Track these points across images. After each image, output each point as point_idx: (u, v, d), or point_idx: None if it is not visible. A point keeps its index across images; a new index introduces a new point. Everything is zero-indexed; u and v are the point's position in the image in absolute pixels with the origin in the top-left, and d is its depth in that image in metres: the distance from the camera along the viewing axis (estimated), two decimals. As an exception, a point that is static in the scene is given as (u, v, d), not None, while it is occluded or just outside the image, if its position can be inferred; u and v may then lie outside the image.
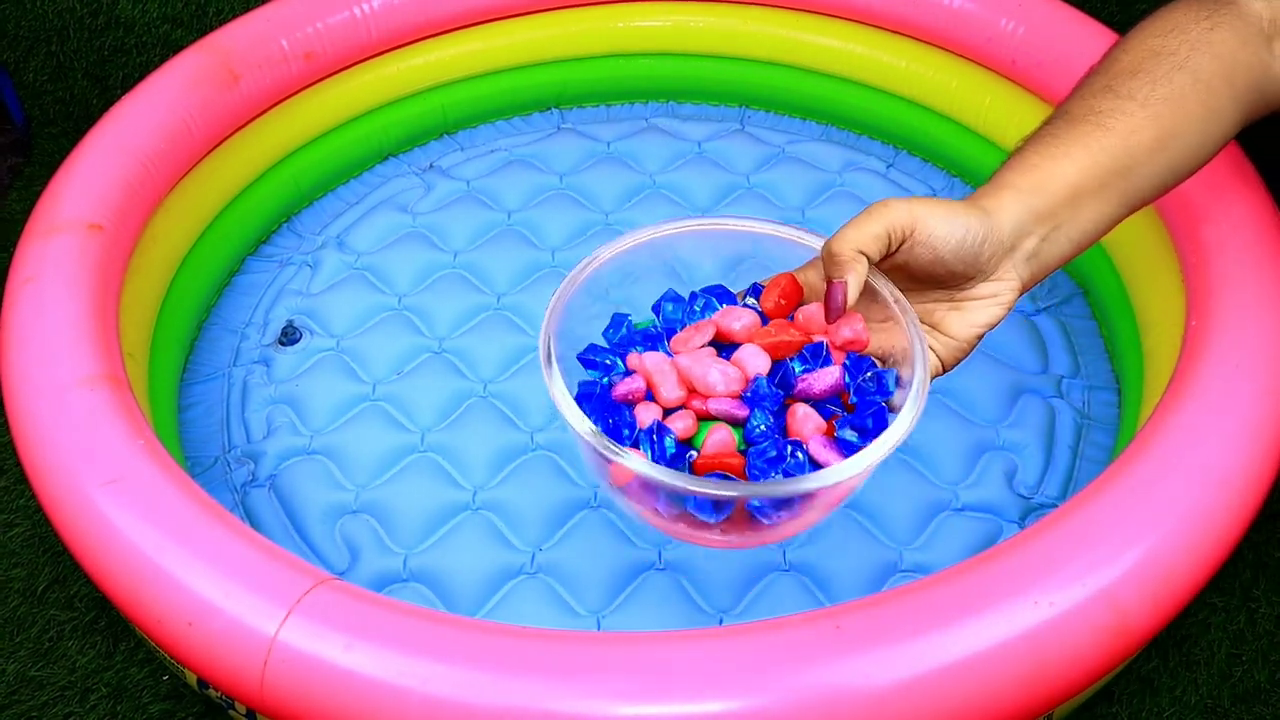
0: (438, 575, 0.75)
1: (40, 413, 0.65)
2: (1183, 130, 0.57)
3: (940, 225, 0.51)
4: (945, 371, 0.55)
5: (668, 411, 0.51)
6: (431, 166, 1.06)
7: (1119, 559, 0.55)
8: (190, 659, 0.57)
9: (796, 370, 0.51)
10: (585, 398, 0.52)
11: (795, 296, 0.53)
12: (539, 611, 0.72)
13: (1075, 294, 0.92)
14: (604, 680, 0.52)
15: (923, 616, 0.54)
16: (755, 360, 0.50)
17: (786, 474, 0.48)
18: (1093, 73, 0.60)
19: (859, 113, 1.06)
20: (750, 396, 0.50)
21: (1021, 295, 0.55)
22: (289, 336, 0.90)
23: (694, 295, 0.54)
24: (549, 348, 0.52)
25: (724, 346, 0.52)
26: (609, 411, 0.51)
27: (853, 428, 0.50)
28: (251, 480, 0.81)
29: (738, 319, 0.52)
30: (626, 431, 0.50)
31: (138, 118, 0.84)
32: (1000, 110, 0.96)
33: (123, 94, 0.87)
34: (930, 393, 0.84)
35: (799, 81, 1.07)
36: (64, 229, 0.75)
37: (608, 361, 0.53)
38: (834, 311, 0.51)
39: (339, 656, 0.54)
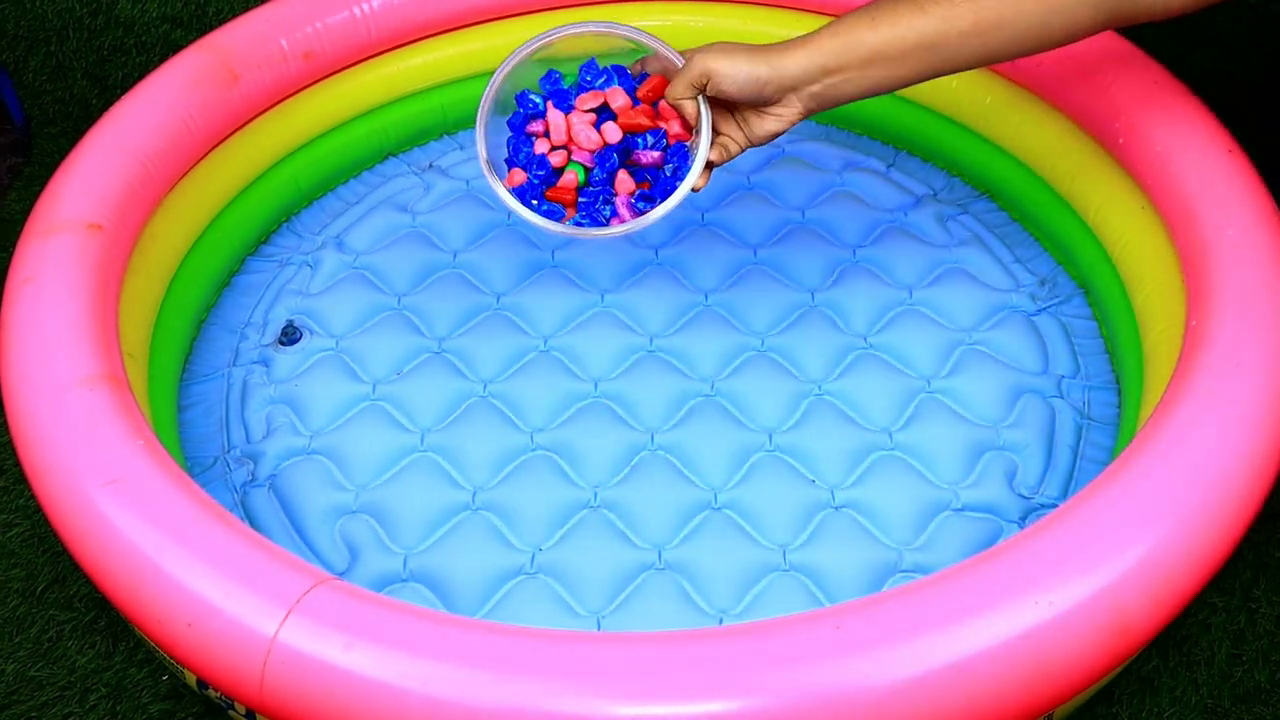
0: (438, 575, 0.75)
1: (40, 412, 0.65)
2: (1008, 22, 0.67)
3: (726, 73, 0.70)
4: (753, 146, 0.75)
5: (556, 148, 0.76)
6: (431, 166, 1.06)
7: (1119, 559, 0.55)
8: (190, 659, 0.57)
9: (641, 144, 0.75)
10: (511, 124, 0.77)
11: (660, 91, 0.75)
12: (539, 611, 0.72)
13: (1076, 294, 0.92)
14: (604, 680, 0.52)
15: (923, 617, 0.54)
16: (612, 133, 0.75)
17: (594, 212, 0.75)
18: None
19: (859, 113, 1.06)
20: (600, 155, 0.75)
21: (807, 116, 0.73)
22: (289, 336, 0.90)
23: (605, 69, 0.76)
24: (489, 103, 0.76)
25: (606, 111, 0.76)
26: (521, 138, 0.77)
27: (646, 198, 0.75)
28: (251, 480, 0.81)
29: (617, 99, 0.75)
30: (523, 154, 0.76)
31: (137, 117, 0.84)
32: (1000, 110, 0.96)
33: (122, 94, 0.87)
34: (930, 392, 0.84)
35: (799, 81, 1.07)
36: (63, 229, 0.75)
37: (534, 99, 0.77)
38: (689, 126, 0.75)
39: (339, 657, 0.54)
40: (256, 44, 0.92)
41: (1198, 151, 0.77)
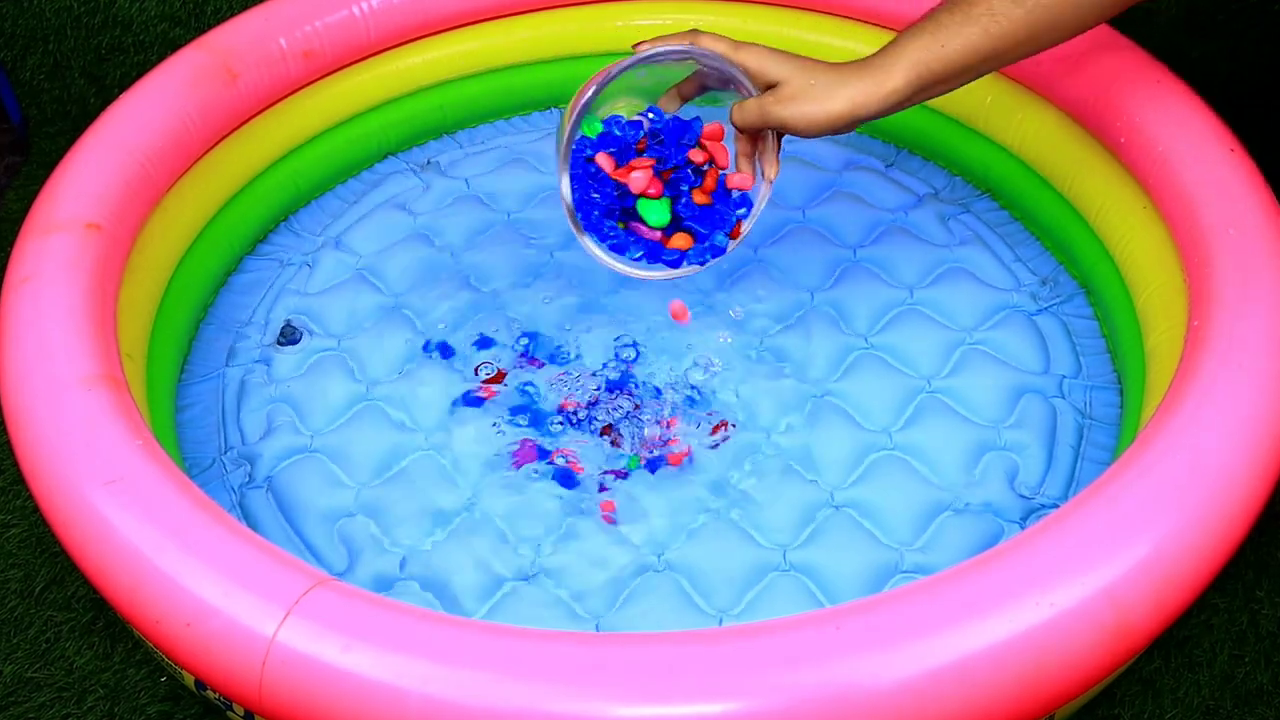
0: (437, 576, 0.74)
1: (38, 413, 0.65)
2: (1057, 25, 0.70)
3: (800, 127, 0.71)
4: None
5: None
6: (430, 163, 1.06)
7: (1120, 559, 0.55)
8: (188, 660, 0.57)
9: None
10: (577, 176, 0.74)
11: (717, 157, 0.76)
12: (538, 612, 0.72)
13: (1077, 294, 0.92)
14: (603, 681, 0.52)
15: (923, 617, 0.53)
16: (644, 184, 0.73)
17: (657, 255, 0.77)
18: None
19: (859, 112, 1.06)
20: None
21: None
22: (288, 336, 0.90)
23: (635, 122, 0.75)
24: (567, 136, 0.72)
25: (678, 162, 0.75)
26: (586, 184, 0.74)
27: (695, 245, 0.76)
28: (249, 481, 0.81)
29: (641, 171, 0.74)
30: (595, 200, 0.75)
31: (136, 116, 0.84)
32: (1000, 109, 0.96)
33: (120, 93, 0.87)
34: (931, 392, 0.83)
35: (799, 80, 1.06)
36: (62, 228, 0.75)
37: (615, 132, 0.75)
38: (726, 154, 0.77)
39: (337, 657, 0.53)
40: (255, 43, 0.92)
41: (1199, 150, 0.76)
